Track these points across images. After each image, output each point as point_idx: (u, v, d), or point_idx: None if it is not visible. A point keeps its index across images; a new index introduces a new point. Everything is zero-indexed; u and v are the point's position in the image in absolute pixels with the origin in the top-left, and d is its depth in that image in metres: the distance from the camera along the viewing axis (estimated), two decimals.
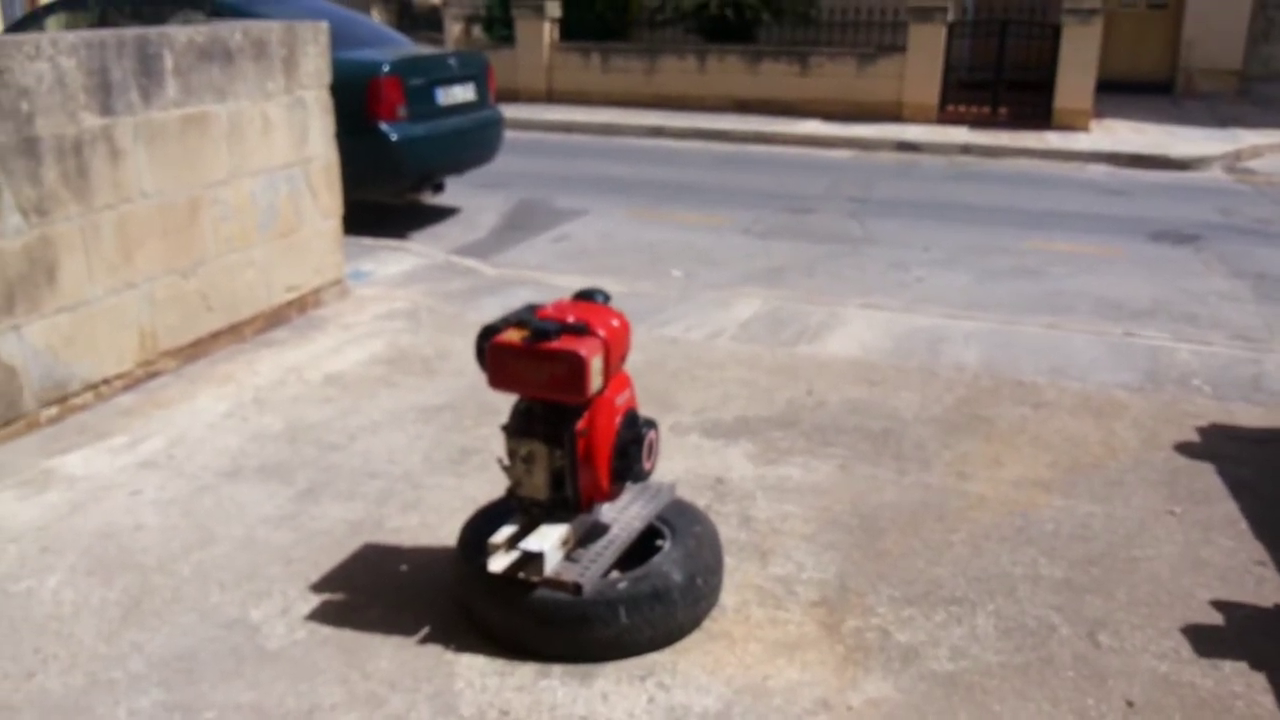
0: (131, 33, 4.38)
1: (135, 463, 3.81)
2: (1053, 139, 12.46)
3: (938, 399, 4.48)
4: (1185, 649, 2.81)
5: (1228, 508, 3.57)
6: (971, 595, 3.04)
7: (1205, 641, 2.84)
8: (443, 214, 8.67)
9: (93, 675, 2.66)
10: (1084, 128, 13.06)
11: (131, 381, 4.47)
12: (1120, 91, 15.83)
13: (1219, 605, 3.01)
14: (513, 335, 2.69)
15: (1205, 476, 3.79)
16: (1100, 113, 13.74)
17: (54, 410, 4.11)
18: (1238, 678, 2.70)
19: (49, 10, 8.12)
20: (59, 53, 4.01)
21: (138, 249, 4.43)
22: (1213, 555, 3.27)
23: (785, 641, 2.82)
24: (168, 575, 3.10)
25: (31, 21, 8.27)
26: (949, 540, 3.34)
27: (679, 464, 3.81)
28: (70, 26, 7.79)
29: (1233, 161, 11.64)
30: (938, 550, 3.28)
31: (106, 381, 4.35)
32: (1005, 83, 13.84)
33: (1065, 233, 8.25)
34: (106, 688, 2.62)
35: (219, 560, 3.18)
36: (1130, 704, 2.60)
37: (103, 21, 7.49)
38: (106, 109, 4.22)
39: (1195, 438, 4.12)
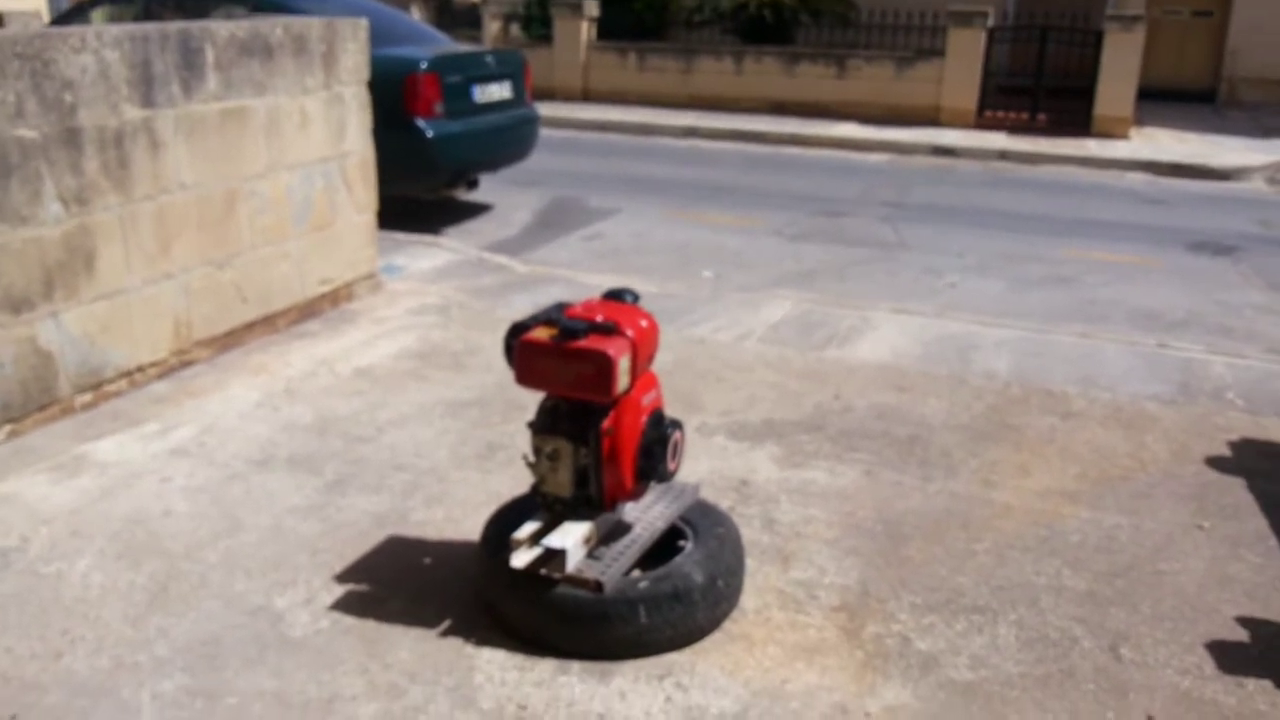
0: (174, 26, 4.44)
1: (166, 450, 3.86)
2: (1092, 146, 12.34)
3: (966, 406, 4.46)
4: (1209, 665, 2.78)
5: (1258, 524, 3.53)
6: (994, 604, 3.03)
7: (1229, 658, 2.81)
8: (476, 210, 8.71)
9: (118, 658, 2.70)
10: (1124, 135, 12.94)
11: (165, 370, 4.53)
12: (1162, 100, 15.67)
13: (1244, 622, 2.98)
14: (541, 333, 2.71)
15: (1235, 491, 3.75)
16: (1141, 121, 13.59)
17: (88, 396, 4.18)
18: (1261, 696, 2.67)
19: (95, 3, 8.24)
20: (103, 45, 4.07)
21: (175, 240, 4.49)
22: (1240, 571, 3.24)
23: (805, 645, 2.82)
24: (195, 562, 3.14)
25: (77, 14, 8.39)
26: (973, 549, 3.33)
27: (704, 465, 3.82)
28: (114, 20, 7.91)
29: (1274, 173, 11.47)
30: (961, 558, 3.27)
31: (141, 369, 4.41)
32: (1045, 89, 13.73)
33: (1102, 241, 8.17)
34: (131, 670, 2.66)
35: (246, 548, 3.22)
36: (1151, 719, 2.58)
37: (146, 15, 7.59)
38: (148, 101, 4.28)
39: (1226, 452, 4.07)
